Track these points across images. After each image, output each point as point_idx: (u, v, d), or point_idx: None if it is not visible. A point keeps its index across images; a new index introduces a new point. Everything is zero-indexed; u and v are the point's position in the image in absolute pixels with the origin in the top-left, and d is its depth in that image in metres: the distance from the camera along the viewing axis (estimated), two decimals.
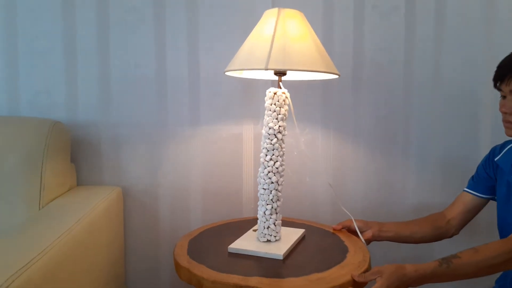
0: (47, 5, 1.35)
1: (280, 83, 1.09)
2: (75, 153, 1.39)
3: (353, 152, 1.46)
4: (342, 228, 1.23)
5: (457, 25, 1.40)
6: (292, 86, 1.21)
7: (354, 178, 1.47)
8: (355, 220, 1.20)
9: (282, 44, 0.99)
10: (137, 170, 1.42)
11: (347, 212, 1.19)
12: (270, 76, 1.22)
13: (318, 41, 1.07)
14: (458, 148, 1.44)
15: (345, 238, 1.17)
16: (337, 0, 1.40)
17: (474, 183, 1.18)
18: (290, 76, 1.20)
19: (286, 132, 1.08)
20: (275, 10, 1.04)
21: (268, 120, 1.07)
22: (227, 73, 1.14)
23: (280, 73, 1.10)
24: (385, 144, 1.45)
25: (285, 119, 1.08)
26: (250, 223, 1.25)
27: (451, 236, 1.20)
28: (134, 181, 1.42)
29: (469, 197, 1.18)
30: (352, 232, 1.20)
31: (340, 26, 1.41)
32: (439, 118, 1.44)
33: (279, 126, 1.06)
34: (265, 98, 1.08)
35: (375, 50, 1.42)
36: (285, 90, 1.08)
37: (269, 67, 0.96)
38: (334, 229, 1.23)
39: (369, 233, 1.18)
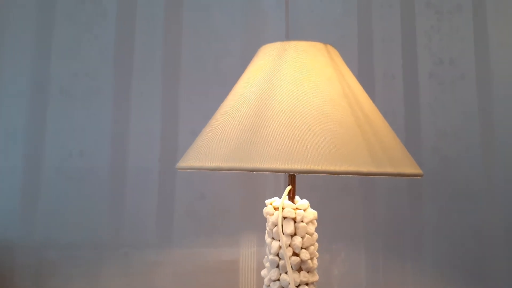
0: None
1: (287, 189, 0.62)
2: None
3: None
4: None
5: None
6: (315, 186, 0.73)
7: None
8: None
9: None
10: None
11: None
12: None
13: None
14: None
15: None
16: (378, 66, 0.96)
17: None
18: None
19: None
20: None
21: (264, 261, 0.65)
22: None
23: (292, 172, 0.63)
24: (468, 284, 0.92)
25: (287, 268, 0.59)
26: None
27: None
28: None
29: None
30: None
31: (382, 92, 0.96)
32: None
33: (271, 281, 0.60)
34: None
35: (437, 134, 0.95)
36: (290, 205, 0.61)
37: (179, 165, 0.61)
38: None
39: None
